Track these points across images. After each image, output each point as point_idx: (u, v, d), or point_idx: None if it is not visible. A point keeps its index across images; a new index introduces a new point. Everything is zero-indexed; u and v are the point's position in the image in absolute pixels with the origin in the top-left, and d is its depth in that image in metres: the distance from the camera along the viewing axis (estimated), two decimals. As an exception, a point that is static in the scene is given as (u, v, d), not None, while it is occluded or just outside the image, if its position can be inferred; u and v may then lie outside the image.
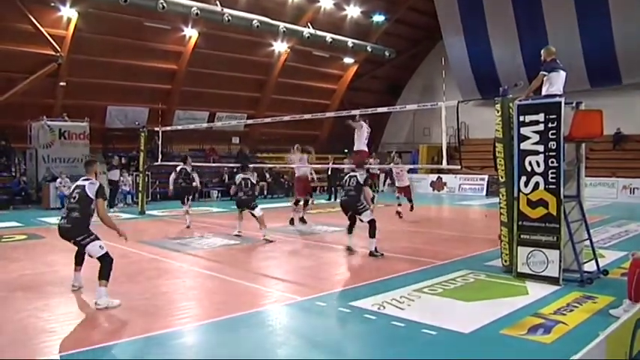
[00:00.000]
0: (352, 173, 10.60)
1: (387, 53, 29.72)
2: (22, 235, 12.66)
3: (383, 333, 5.85)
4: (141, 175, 19.09)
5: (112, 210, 19.60)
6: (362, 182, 10.33)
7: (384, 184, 28.53)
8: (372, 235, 10.11)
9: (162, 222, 16.32)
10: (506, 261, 8.52)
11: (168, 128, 19.44)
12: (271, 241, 11.81)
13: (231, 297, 7.31)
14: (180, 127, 19.86)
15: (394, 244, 11.52)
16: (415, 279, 8.09)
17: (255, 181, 12.85)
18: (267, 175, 26.48)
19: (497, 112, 8.48)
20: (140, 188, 19.01)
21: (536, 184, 7.82)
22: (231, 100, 27.82)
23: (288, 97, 29.18)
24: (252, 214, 12.27)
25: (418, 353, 5.30)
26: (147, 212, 18.28)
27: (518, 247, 8.03)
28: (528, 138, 7.86)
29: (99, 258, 7.01)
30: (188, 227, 14.21)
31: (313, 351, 5.50)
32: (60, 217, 7.42)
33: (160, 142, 18.18)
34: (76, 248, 7.37)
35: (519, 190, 8.02)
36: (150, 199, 21.29)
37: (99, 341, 5.57)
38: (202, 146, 27.55)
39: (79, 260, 7.62)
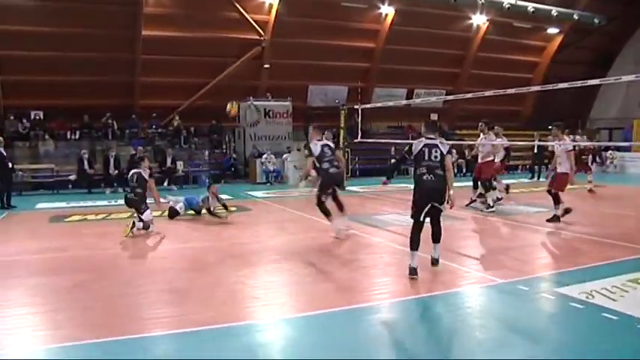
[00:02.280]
0: (431, 141, 7.18)
1: (596, 20, 27.31)
2: (232, 207, 13.57)
3: (592, 324, 5.32)
4: (341, 151, 19.57)
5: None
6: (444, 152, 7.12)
7: (591, 164, 26.35)
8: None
9: (361, 198, 16.61)
10: None
11: (368, 106, 19.70)
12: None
13: (429, 275, 7.13)
14: (379, 105, 20.02)
15: (602, 228, 10.55)
16: (629, 268, 7.21)
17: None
18: (466, 153, 25.76)
19: None
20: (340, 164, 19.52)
21: None
22: (430, 77, 27.56)
23: (487, 71, 28.06)
24: None
25: (636, 352, 4.71)
26: (347, 188, 18.66)
27: None
28: None
29: None
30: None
31: (514, 337, 5.18)
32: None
33: (359, 120, 18.46)
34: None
35: None
36: (349, 175, 21.77)
37: (300, 310, 5.76)
38: (400, 123, 27.59)
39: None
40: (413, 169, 7.21)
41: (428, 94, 27.31)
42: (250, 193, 17.33)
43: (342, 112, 19.26)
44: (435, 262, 7.33)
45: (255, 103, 22.83)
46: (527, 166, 25.29)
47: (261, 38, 22.98)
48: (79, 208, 14.17)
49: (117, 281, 6.96)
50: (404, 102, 22.33)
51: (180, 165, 20.38)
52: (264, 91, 23.84)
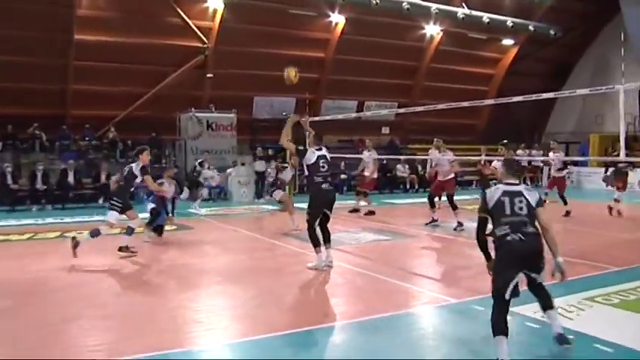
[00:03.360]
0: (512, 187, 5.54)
1: (552, 32, 28.15)
2: (171, 226, 13.44)
3: (547, 344, 5.50)
4: (288, 167, 19.58)
5: (257, 200, 20.45)
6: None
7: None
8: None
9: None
10: None
11: (316, 118, 19.80)
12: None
13: (381, 296, 7.27)
14: (328, 117, 20.15)
15: (561, 245, 10.86)
16: (586, 285, 7.51)
17: None
18: (420, 168, 26.22)
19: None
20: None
21: None
22: (381, 88, 27.91)
23: (441, 84, 28.64)
24: None
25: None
26: (295, 205, 18.69)
27: None
28: None
29: None
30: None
31: (468, 358, 5.32)
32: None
33: (307, 133, 18.55)
34: None
35: None
36: (297, 191, 21.85)
37: (244, 335, 5.76)
38: (351, 137, 27.86)
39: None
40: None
41: (379, 106, 27.65)
42: (192, 210, 17.18)
43: (290, 124, 19.33)
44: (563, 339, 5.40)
45: (197, 114, 22.71)
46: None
47: (205, 46, 22.90)
48: (0, 227, 13.81)
49: (45, 307, 6.80)
50: (354, 115, 22.61)
51: (115, 180, 19.96)
52: (207, 102, 23.69)
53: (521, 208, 5.34)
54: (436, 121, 27.22)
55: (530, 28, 27.49)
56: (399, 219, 15.11)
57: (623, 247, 10.91)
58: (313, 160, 8.97)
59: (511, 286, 5.20)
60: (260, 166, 21.30)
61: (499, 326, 5.11)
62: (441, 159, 13.55)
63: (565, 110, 32.64)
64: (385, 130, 29.50)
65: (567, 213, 15.23)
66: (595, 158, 27.45)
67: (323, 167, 8.85)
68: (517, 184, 5.51)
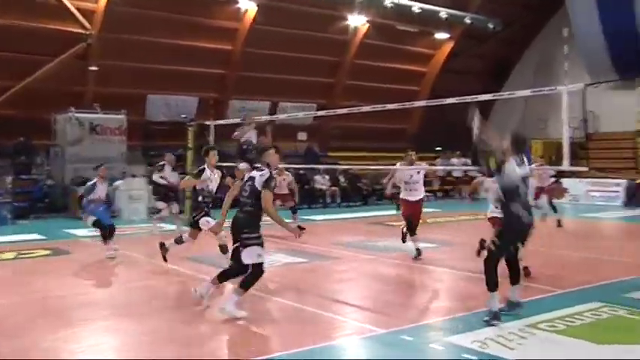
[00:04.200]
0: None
1: (490, 25, 29.13)
2: (44, 249, 13.06)
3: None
4: (189, 177, 19.20)
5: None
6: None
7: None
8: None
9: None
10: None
11: (222, 122, 19.70)
12: None
13: (297, 327, 7.31)
14: (236, 120, 20.07)
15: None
16: (528, 311, 7.76)
17: None
18: (342, 179, 26.48)
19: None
20: (187, 194, 19.20)
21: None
22: (298, 87, 27.94)
23: (367, 82, 29.05)
24: None
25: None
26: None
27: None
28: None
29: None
30: None
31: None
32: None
33: (211, 138, 18.43)
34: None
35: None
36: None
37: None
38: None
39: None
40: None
41: (295, 108, 27.66)
42: (70, 231, 16.70)
43: (191, 128, 19.08)
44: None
45: (77, 115, 21.96)
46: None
47: (87, 32, 22.17)
48: None
49: None
50: (266, 117, 22.60)
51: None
52: (91, 101, 22.98)
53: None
54: (361, 126, 27.58)
55: (467, 20, 28.36)
56: (319, 238, 15.17)
57: (569, 266, 11.32)
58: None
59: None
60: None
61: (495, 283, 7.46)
62: (416, 177, 13.04)
63: (505, 113, 33.47)
64: (302, 135, 29.57)
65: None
66: (537, 168, 28.08)
67: (245, 190, 8.11)
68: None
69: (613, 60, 26.55)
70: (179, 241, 10.67)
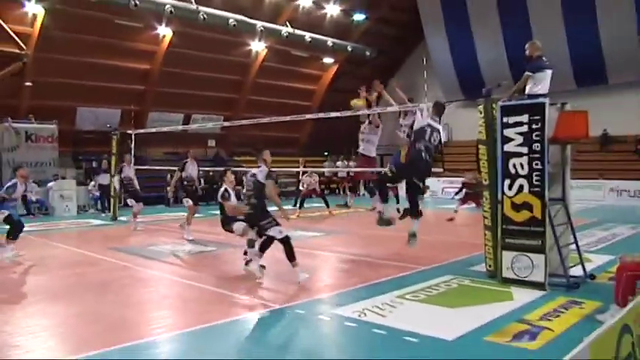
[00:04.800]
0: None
1: (367, 53, 29.79)
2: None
3: (363, 341, 5.88)
4: (112, 179, 18.87)
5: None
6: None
7: (364, 188, 28.56)
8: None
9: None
10: (490, 266, 8.57)
11: (142, 131, 19.34)
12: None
13: (206, 306, 7.28)
14: (154, 130, 19.77)
15: (377, 248, 11.59)
16: (398, 285, 8.11)
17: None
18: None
19: (481, 113, 8.56)
20: (112, 193, 18.79)
21: (521, 187, 7.89)
22: (208, 102, 27.77)
23: (266, 98, 29.13)
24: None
25: (401, 363, 5.31)
26: (119, 218, 18.13)
27: (503, 252, 8.10)
28: (512, 140, 7.93)
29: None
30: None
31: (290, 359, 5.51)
32: None
33: (132, 146, 18.06)
34: None
35: (503, 193, 8.09)
36: (122, 204, 21.12)
37: (69, 353, 5.49)
38: (177, 149, 27.41)
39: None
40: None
41: (206, 119, 27.55)
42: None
43: (114, 137, 18.65)
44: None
45: (14, 125, 21.10)
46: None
47: (23, 52, 21.26)
48: None
49: None
50: (180, 127, 22.32)
51: None
52: (26, 112, 22.09)
53: (434, 140, 8.82)
54: (261, 134, 27.57)
55: (349, 48, 28.91)
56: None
57: (427, 248, 11.63)
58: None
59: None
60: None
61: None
62: None
63: (383, 124, 34.50)
64: (211, 142, 29.43)
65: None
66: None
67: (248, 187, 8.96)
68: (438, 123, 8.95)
69: (460, 84, 27.83)
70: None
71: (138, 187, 16.14)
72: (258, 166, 8.72)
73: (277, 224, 8.50)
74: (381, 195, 9.92)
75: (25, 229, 11.23)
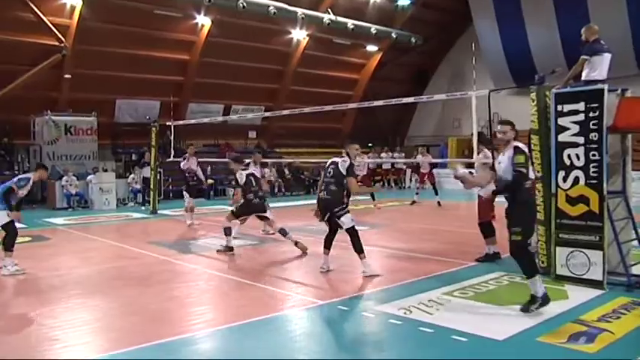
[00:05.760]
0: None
1: (413, 39, 29.53)
2: (26, 237, 12.70)
3: (410, 339, 5.82)
4: (152, 172, 19.08)
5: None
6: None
7: (410, 180, 28.32)
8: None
9: (174, 222, 16.34)
10: (543, 262, 8.36)
11: (181, 122, 19.53)
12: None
13: (248, 301, 7.31)
14: (193, 121, 19.91)
15: (419, 243, 11.50)
16: (444, 281, 8.03)
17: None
18: (287, 171, 26.51)
19: (533, 101, 8.33)
20: (152, 186, 19.00)
21: (576, 179, 7.67)
22: (248, 92, 27.89)
23: (307, 88, 29.16)
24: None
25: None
26: (159, 211, 18.34)
27: (557, 248, 7.91)
28: (567, 129, 7.72)
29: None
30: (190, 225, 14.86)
31: (336, 356, 5.49)
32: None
33: (172, 137, 18.25)
34: None
35: (557, 186, 7.89)
36: (162, 197, 21.43)
37: (108, 349, 5.58)
38: (217, 141, 27.68)
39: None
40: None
41: (246, 110, 27.71)
42: (49, 220, 16.36)
43: (154, 129, 18.85)
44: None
45: (54, 118, 21.58)
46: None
47: (62, 45, 21.71)
48: None
49: None
50: (220, 118, 22.45)
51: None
52: (66, 105, 22.58)
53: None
54: (302, 125, 27.69)
55: (393, 35, 28.62)
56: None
57: (474, 242, 11.43)
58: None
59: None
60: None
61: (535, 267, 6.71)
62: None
63: (425, 114, 34.27)
64: (252, 134, 29.57)
65: (439, 203, 18.15)
66: (453, 160, 28.49)
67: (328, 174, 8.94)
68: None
69: (511, 71, 27.23)
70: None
71: (203, 179, 16.59)
72: (342, 157, 8.72)
73: (349, 212, 8.60)
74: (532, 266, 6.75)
75: (64, 222, 11.33)
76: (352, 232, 8.44)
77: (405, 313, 6.54)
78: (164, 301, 7.36)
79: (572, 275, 7.72)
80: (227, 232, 10.83)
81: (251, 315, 6.56)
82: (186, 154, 15.42)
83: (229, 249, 10.69)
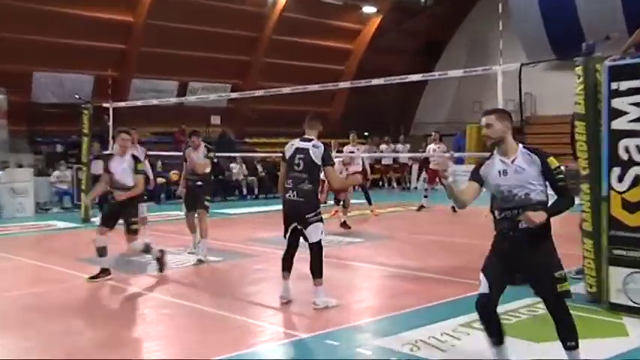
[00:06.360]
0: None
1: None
2: None
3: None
4: (84, 168, 18.74)
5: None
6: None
7: (417, 180, 28.31)
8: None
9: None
10: (591, 286, 8.35)
11: (123, 104, 19.41)
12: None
13: (210, 334, 7.25)
14: (139, 103, 19.78)
15: (428, 260, 11.49)
16: (461, 309, 7.80)
17: None
18: (260, 168, 26.44)
19: (579, 77, 8.32)
20: (83, 187, 18.74)
21: (636, 179, 7.67)
22: (210, 66, 27.75)
23: (286, 61, 29.18)
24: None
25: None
26: (92, 219, 18.12)
27: (610, 268, 7.88)
28: (625, 113, 7.69)
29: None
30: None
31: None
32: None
33: (110, 123, 18.11)
34: None
35: (610, 187, 7.89)
36: (97, 201, 21.18)
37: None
38: (170, 128, 27.48)
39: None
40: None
41: (207, 89, 27.67)
42: None
43: (86, 111, 18.62)
44: None
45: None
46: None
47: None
48: None
49: None
50: (174, 100, 22.38)
51: None
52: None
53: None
54: (280, 109, 27.55)
55: (396, -9, 28.65)
56: (233, 233, 15.12)
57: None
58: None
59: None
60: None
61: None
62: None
63: (437, 96, 34.26)
64: (215, 119, 29.42)
65: (453, 209, 17.49)
66: (471, 154, 27.42)
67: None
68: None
69: (550, 38, 27.13)
70: None
71: (151, 177, 16.14)
72: (309, 140, 8.17)
73: (322, 221, 8.19)
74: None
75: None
76: (317, 248, 8.09)
77: (411, 349, 6.47)
78: (97, 336, 7.29)
79: (632, 305, 7.66)
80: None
81: (213, 353, 6.47)
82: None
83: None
